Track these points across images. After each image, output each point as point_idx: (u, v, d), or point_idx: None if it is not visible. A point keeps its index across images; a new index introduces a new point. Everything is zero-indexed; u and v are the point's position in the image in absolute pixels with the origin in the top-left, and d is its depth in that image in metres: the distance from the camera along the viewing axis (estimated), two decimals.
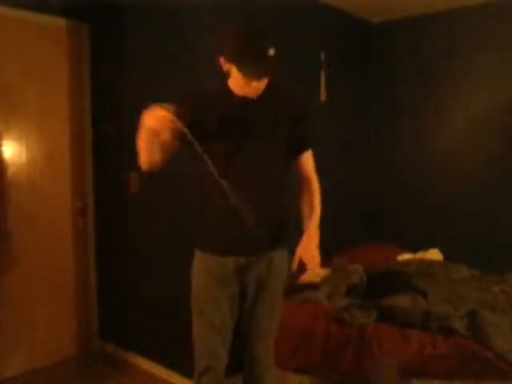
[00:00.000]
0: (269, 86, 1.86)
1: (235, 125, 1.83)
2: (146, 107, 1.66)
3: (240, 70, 1.73)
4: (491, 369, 2.20)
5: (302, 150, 1.99)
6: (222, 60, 1.78)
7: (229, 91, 1.86)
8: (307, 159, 2.01)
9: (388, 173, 4.20)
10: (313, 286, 3.02)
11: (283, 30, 3.31)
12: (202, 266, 1.95)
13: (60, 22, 3.16)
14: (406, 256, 3.58)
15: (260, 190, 1.85)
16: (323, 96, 3.59)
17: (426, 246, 3.65)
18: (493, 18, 3.58)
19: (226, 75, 1.83)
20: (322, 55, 3.57)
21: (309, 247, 1.82)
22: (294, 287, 3.08)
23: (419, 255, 3.56)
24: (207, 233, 1.92)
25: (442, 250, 3.60)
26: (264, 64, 1.71)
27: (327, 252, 3.53)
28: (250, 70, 1.72)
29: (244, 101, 1.84)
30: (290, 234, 1.99)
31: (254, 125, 1.84)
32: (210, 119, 1.82)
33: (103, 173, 3.37)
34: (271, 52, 1.69)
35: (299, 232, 1.90)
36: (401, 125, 4.14)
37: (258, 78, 1.75)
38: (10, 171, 3.02)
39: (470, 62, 3.70)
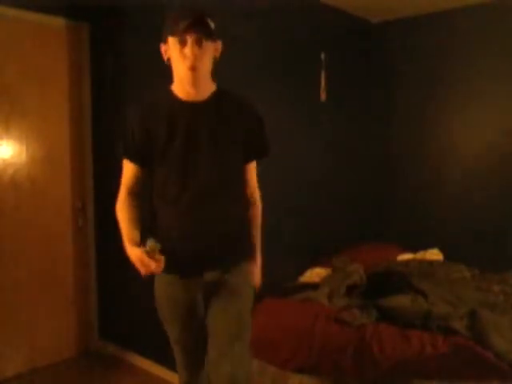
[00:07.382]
0: (218, 91, 1.75)
1: (180, 132, 1.70)
2: None
3: (173, 30, 1.60)
4: (491, 369, 2.20)
5: (247, 160, 1.85)
6: (162, 47, 1.68)
7: (173, 97, 1.74)
8: (252, 169, 1.89)
9: (388, 173, 4.20)
10: (313, 286, 3.03)
11: (283, 30, 3.32)
12: (162, 287, 1.89)
13: (60, 22, 3.15)
14: (406, 256, 3.58)
15: (210, 203, 1.73)
16: (323, 96, 3.60)
17: (425, 246, 3.65)
18: (493, 18, 3.58)
19: (168, 67, 1.73)
20: (322, 55, 3.58)
21: (258, 273, 1.91)
22: (294, 287, 3.09)
23: (419, 255, 3.56)
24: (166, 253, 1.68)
25: (442, 250, 3.60)
26: (199, 21, 1.57)
27: (327, 252, 3.55)
28: (184, 24, 1.57)
29: (189, 105, 1.72)
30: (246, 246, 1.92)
31: (200, 131, 1.71)
32: (157, 132, 1.71)
33: (103, 172, 3.36)
34: (211, 24, 1.59)
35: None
36: (401, 125, 4.14)
37: (192, 30, 1.57)
38: (10, 171, 3.02)
39: (470, 62, 3.70)
